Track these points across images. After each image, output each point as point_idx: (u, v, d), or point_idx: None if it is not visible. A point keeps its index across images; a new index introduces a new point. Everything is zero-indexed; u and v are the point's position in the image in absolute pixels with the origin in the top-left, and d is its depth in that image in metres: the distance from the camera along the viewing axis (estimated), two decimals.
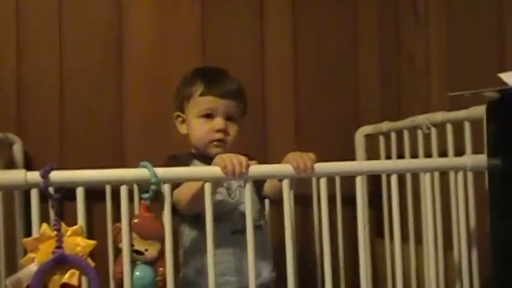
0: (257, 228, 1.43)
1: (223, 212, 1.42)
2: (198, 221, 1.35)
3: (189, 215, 1.39)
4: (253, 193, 1.45)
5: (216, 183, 1.30)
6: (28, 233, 1.17)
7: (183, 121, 1.51)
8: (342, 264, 1.86)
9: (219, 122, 1.44)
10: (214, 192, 1.37)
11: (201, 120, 1.45)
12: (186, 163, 1.43)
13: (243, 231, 1.25)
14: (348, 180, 1.62)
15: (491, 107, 1.12)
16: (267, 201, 1.69)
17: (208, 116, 1.45)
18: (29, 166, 1.77)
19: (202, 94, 1.45)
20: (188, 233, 1.43)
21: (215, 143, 1.44)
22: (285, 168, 1.25)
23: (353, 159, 1.93)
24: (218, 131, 1.44)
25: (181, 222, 1.45)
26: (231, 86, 1.48)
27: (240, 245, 1.35)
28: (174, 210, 1.30)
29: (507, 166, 1.11)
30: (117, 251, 1.21)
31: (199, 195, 1.24)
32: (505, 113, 1.09)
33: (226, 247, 1.38)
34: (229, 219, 1.42)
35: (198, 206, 1.27)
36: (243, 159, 1.22)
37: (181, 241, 1.47)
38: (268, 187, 1.48)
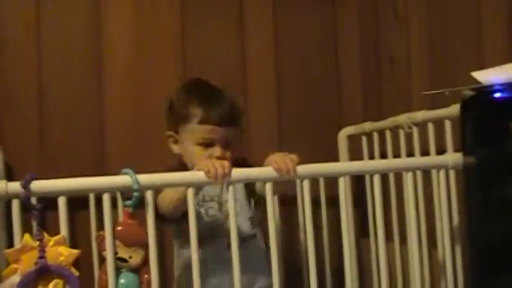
0: (251, 237, 1.47)
1: (217, 227, 1.42)
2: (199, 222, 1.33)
3: (183, 236, 1.38)
4: (244, 202, 1.48)
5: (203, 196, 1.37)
6: (10, 244, 1.16)
7: (176, 141, 1.49)
8: (327, 264, 1.87)
9: (217, 150, 1.42)
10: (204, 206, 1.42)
11: (198, 147, 1.44)
12: None
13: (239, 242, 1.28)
14: (333, 181, 1.63)
15: (466, 105, 1.13)
16: None
17: (206, 144, 1.44)
18: (9, 177, 1.75)
19: (201, 122, 1.43)
20: (187, 256, 1.37)
21: None
22: (267, 171, 1.25)
23: (336, 160, 1.93)
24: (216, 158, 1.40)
25: (177, 246, 1.48)
26: (230, 111, 1.45)
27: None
28: (161, 219, 1.31)
29: (482, 163, 1.12)
30: (102, 259, 1.20)
31: (182, 200, 1.23)
32: (479, 111, 1.11)
33: (225, 261, 1.31)
34: (223, 234, 1.40)
35: (179, 209, 1.28)
36: (226, 163, 1.22)
37: (176, 265, 1.50)
38: (260, 185, 1.44)
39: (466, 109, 1.13)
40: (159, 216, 1.32)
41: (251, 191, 1.48)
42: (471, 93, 1.08)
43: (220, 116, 1.43)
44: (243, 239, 1.43)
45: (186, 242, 1.31)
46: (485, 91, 1.06)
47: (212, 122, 1.43)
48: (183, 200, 1.21)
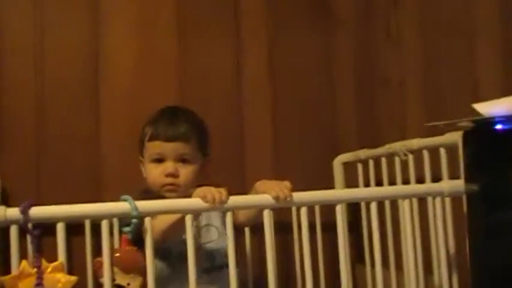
0: (226, 266, 1.44)
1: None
2: (167, 257, 1.38)
3: (159, 251, 1.36)
4: (221, 230, 1.48)
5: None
6: (5, 271, 1.15)
7: (144, 167, 1.52)
8: None
9: (167, 166, 1.45)
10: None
11: (152, 164, 1.47)
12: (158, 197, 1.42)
13: (210, 270, 1.33)
14: (327, 207, 1.62)
15: (467, 136, 1.15)
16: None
17: (159, 160, 1.46)
18: (5, 201, 1.74)
19: (150, 139, 1.47)
20: (159, 269, 1.38)
21: (167, 187, 1.45)
22: (264, 198, 1.25)
23: (331, 187, 1.94)
24: (167, 175, 1.45)
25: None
26: (179, 128, 1.47)
27: (209, 283, 1.38)
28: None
29: (483, 191, 1.14)
30: (98, 286, 1.20)
31: (174, 227, 1.25)
32: (480, 141, 1.14)
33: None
34: (198, 258, 1.39)
35: (169, 237, 1.29)
36: (222, 189, 1.23)
37: None
38: (241, 215, 1.47)
39: (468, 139, 1.16)
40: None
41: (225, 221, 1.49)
42: (468, 124, 1.10)
43: (168, 132, 1.46)
44: (218, 267, 1.44)
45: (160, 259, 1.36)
46: (486, 122, 1.08)
47: (160, 138, 1.46)
48: (176, 228, 1.23)
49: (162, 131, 1.46)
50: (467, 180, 1.19)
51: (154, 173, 1.46)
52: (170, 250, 1.41)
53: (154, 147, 1.46)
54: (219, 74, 2.00)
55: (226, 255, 1.40)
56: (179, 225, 1.23)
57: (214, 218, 1.50)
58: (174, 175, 1.44)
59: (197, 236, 1.45)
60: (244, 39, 2.02)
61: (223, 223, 1.46)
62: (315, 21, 2.09)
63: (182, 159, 1.46)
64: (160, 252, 1.38)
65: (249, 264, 1.73)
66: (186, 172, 1.46)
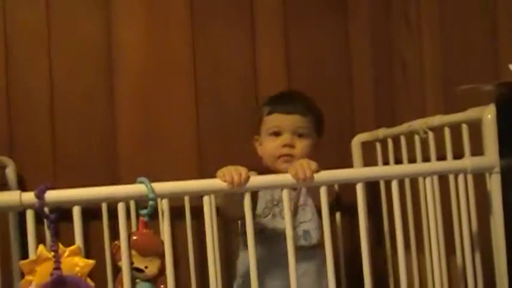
0: (317, 246, 1.49)
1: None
2: (260, 236, 1.41)
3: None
4: (315, 210, 1.51)
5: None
6: (22, 256, 1.14)
7: (260, 143, 1.57)
8: (342, 272, 1.84)
9: (285, 137, 1.50)
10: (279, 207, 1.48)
11: (270, 138, 1.52)
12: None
13: (306, 248, 1.38)
14: (345, 188, 1.59)
15: (501, 107, 1.11)
16: None
17: (277, 133, 1.52)
18: (22, 188, 1.73)
19: (269, 113, 1.53)
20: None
21: (283, 158, 1.49)
22: (284, 178, 1.24)
23: (350, 167, 1.91)
24: (284, 146, 1.49)
25: (241, 245, 1.51)
26: (297, 102, 1.54)
27: (303, 261, 1.39)
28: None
29: None
30: (116, 270, 1.19)
31: (231, 202, 1.33)
32: None
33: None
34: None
35: (229, 212, 1.42)
36: (243, 170, 1.22)
37: (239, 267, 1.51)
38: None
39: (502, 111, 1.10)
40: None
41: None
42: (491, 88, 1.05)
43: (286, 104, 1.52)
44: (310, 247, 1.48)
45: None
46: None
47: (279, 111, 1.52)
48: (237, 202, 1.26)
49: (281, 105, 1.53)
50: (501, 154, 1.15)
51: (272, 145, 1.51)
52: (263, 229, 1.47)
53: (273, 121, 1.52)
54: (234, 66, 1.97)
55: (319, 235, 1.49)
56: (232, 200, 1.34)
57: (310, 199, 1.53)
58: (291, 146, 1.49)
59: (293, 215, 1.49)
60: (259, 31, 1.99)
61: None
62: (331, 7, 2.05)
63: (299, 134, 1.51)
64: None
65: None
66: (301, 145, 1.50)
